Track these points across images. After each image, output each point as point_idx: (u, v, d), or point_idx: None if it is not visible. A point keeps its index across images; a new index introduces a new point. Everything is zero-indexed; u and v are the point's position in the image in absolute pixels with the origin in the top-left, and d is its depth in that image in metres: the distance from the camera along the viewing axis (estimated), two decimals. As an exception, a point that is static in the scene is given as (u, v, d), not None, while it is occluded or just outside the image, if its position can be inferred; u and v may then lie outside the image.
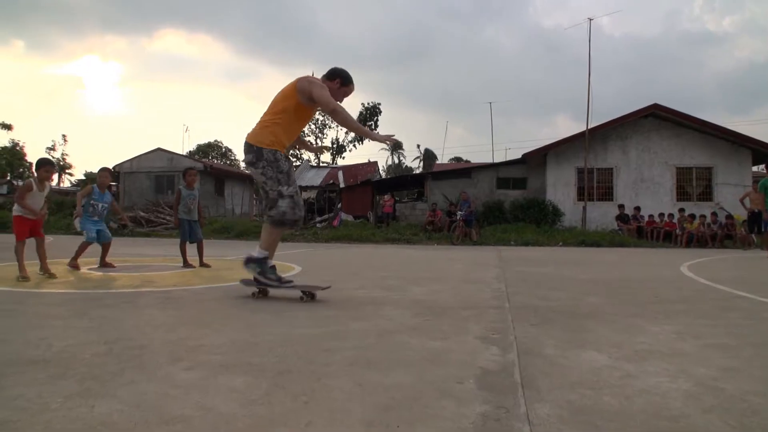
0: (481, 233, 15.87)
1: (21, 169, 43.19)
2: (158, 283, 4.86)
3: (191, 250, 6.58)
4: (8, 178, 37.77)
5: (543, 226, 17.77)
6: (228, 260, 7.79)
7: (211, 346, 2.43)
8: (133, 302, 3.73)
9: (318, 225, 19.76)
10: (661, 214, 16.79)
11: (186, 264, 6.37)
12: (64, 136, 56.32)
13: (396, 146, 69.00)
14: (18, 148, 41.29)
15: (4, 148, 37.94)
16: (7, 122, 33.89)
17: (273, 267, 3.88)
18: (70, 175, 53.31)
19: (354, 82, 3.97)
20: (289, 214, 3.69)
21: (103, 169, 6.61)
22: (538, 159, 20.23)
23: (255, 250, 3.86)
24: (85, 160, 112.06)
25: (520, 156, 21.09)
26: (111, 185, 7.30)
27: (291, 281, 3.93)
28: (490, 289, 4.68)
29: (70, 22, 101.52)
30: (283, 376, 1.97)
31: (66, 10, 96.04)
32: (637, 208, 17.54)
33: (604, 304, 3.92)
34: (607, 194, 19.31)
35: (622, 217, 17.32)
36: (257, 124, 3.80)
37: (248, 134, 3.79)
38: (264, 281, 3.83)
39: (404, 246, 14.03)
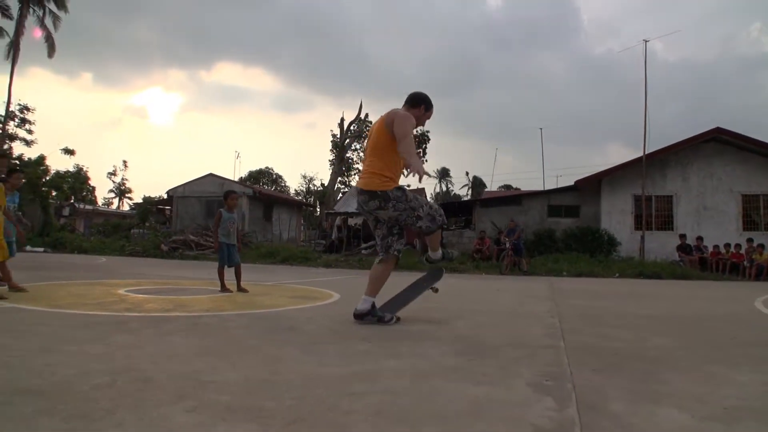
0: (531, 263, 15.23)
1: (84, 193, 45.25)
2: (189, 308, 4.67)
3: (229, 274, 6.41)
4: (72, 200, 39.50)
5: (597, 256, 16.92)
6: (266, 285, 7.60)
7: (223, 383, 2.15)
8: (158, 328, 3.53)
9: (363, 252, 19.54)
10: (727, 245, 15.70)
11: (223, 288, 6.21)
12: (124, 162, 58.95)
13: (443, 174, 68.71)
14: (82, 172, 43.34)
15: (69, 173, 39.76)
16: (71, 148, 35.38)
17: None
18: (130, 198, 55.63)
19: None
20: (436, 221, 3.98)
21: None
22: (591, 186, 19.45)
23: (431, 253, 4.39)
24: (145, 185, 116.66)
25: (571, 183, 20.38)
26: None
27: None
28: (542, 324, 4.25)
29: (136, 56, 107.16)
30: (293, 426, 1.66)
31: (133, 44, 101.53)
32: (700, 238, 16.49)
33: (674, 346, 3.44)
34: (666, 223, 18.30)
35: (683, 248, 16.31)
36: (368, 171, 3.92)
37: (364, 183, 3.92)
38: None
39: (451, 275, 13.58)
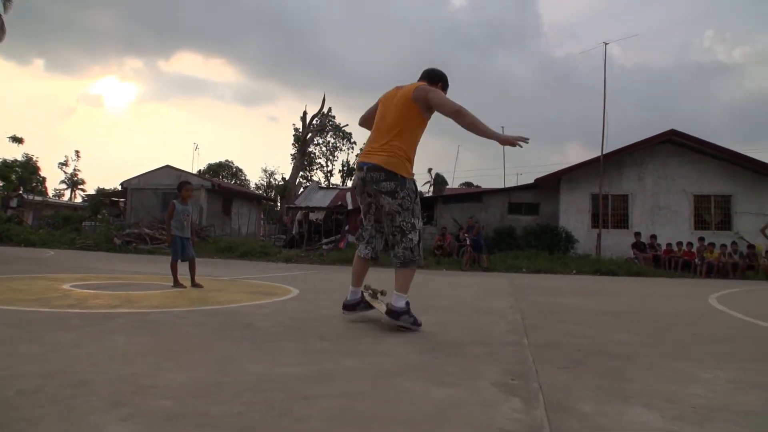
0: (491, 259, 15.33)
1: (34, 183, 43.38)
2: (139, 304, 4.42)
3: (183, 269, 6.14)
4: (20, 191, 37.80)
5: (556, 253, 17.19)
6: (223, 281, 7.34)
7: (166, 387, 1.97)
8: (102, 325, 3.29)
9: (324, 247, 19.31)
10: (679, 243, 16.18)
11: (176, 284, 5.93)
12: (77, 152, 56.79)
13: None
14: (31, 162, 41.50)
15: (17, 162, 38.02)
16: (19, 136, 33.87)
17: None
18: (83, 190, 53.62)
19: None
20: (418, 249, 3.49)
21: None
22: (551, 184, 19.74)
23: (395, 299, 3.45)
24: (98, 176, 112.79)
25: (532, 181, 20.65)
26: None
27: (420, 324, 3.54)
28: (505, 321, 4.18)
29: (91, 44, 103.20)
30: (242, 436, 1.51)
31: (88, 31, 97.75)
32: (654, 237, 16.95)
33: (636, 342, 3.42)
34: (622, 222, 18.74)
35: (638, 246, 16.72)
36: (391, 150, 3.44)
37: (385, 160, 3.42)
38: (413, 328, 3.44)
39: (412, 270, 13.52)
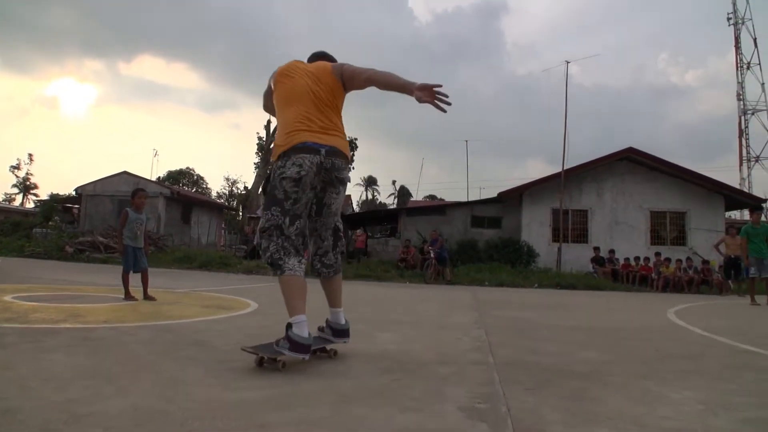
0: (455, 272, 15.34)
1: (-19, 188, 41.49)
2: (84, 318, 4.15)
3: (135, 280, 5.86)
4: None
5: (518, 266, 17.36)
6: (178, 293, 7.05)
7: (104, 415, 1.79)
8: (39, 342, 3.05)
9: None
10: (637, 258, 16.54)
11: (128, 296, 5.65)
12: (30, 155, 54.65)
13: (370, 182, 68.80)
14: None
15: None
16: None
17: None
18: (35, 195, 51.62)
19: None
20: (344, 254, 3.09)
21: None
22: (513, 199, 19.98)
23: (339, 315, 3.03)
24: (52, 181, 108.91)
25: (494, 195, 20.86)
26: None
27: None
28: (469, 337, 4.09)
29: (50, 43, 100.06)
30: (184, 475, 1.35)
31: (47, 30, 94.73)
32: (612, 251, 17.29)
33: (602, 360, 3.37)
34: (581, 236, 19.08)
35: (597, 260, 17.03)
36: (334, 128, 2.85)
37: (342, 144, 2.86)
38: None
39: (375, 283, 13.39)
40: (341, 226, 3.02)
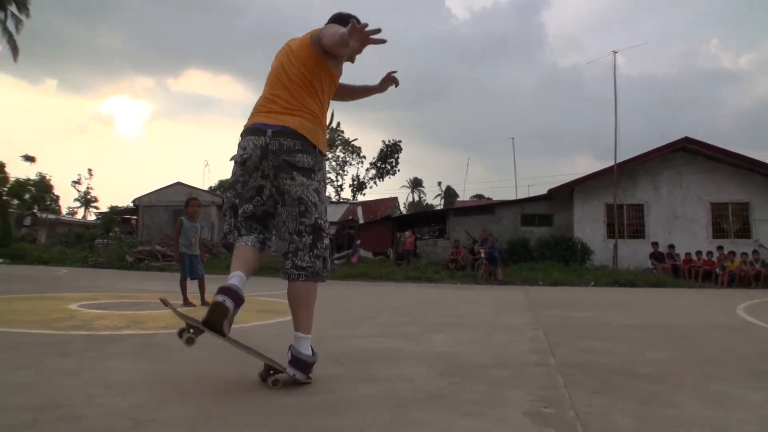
0: (506, 272, 15.07)
1: (48, 202, 43.84)
2: (145, 325, 4.27)
3: (193, 287, 6.01)
4: (34, 210, 38.14)
5: (571, 264, 16.88)
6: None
7: (167, 422, 1.80)
8: (103, 349, 3.14)
9: (336, 262, 19.16)
10: (698, 252, 15.81)
11: (186, 302, 5.80)
12: (89, 170, 57.20)
13: (416, 183, 68.66)
14: (45, 180, 42.01)
15: (30, 181, 38.45)
16: (32, 155, 34.33)
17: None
18: (96, 208, 54.06)
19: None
20: (327, 261, 2.55)
21: None
22: (564, 195, 19.48)
23: (297, 341, 2.42)
24: (111, 193, 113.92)
25: (544, 192, 20.40)
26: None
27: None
28: (526, 338, 3.97)
29: (102, 63, 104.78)
30: (246, 482, 1.33)
31: (99, 51, 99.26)
32: (672, 246, 16.59)
33: (669, 360, 3.20)
34: (638, 231, 18.39)
35: (656, 256, 16.37)
36: (296, 106, 2.47)
37: (293, 121, 2.43)
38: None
39: (425, 285, 13.31)
40: (322, 224, 2.49)
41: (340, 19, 2.59)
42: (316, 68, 2.50)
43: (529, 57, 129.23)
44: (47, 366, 2.64)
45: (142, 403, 2.03)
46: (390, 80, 2.92)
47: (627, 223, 18.38)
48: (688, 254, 15.99)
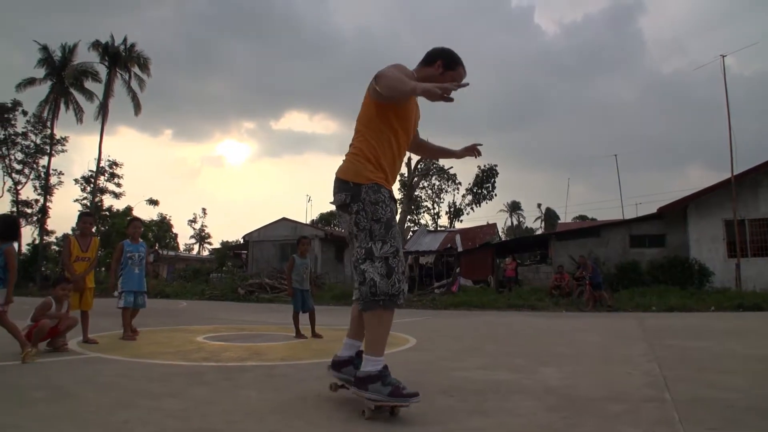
0: (614, 297, 14.36)
1: (167, 240, 47.82)
2: (265, 356, 4.63)
3: (304, 319, 6.38)
4: (156, 247, 41.79)
5: (689, 288, 15.76)
6: (341, 330, 7.49)
7: (299, 448, 2.02)
8: (234, 379, 3.48)
9: (436, 291, 19.22)
10: (839, 272, 14.21)
11: (298, 334, 6.17)
12: (203, 209, 61.92)
13: (514, 207, 67.34)
14: (165, 221, 45.96)
15: (153, 221, 42.18)
16: (155, 198, 37.79)
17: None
18: (209, 243, 58.21)
19: (464, 65, 2.79)
20: (383, 285, 2.48)
21: None
22: (676, 213, 18.34)
23: (363, 361, 2.58)
24: (222, 230, 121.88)
25: (654, 211, 19.31)
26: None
27: (416, 394, 2.47)
28: (639, 371, 3.86)
29: (212, 111, 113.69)
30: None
31: (208, 100, 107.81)
32: (806, 264, 15.03)
33: (802, 396, 3.00)
34: (764, 249, 16.85)
35: (787, 276, 14.90)
36: (347, 154, 2.76)
37: (340, 167, 2.75)
38: (401, 401, 2.45)
39: (529, 313, 13.02)
40: (360, 256, 2.59)
41: (430, 57, 2.78)
42: (368, 109, 2.71)
43: (629, 66, 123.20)
44: (190, 394, 2.99)
45: (275, 429, 2.27)
46: (473, 150, 3.11)
47: (750, 239, 16.92)
48: (826, 273, 14.41)
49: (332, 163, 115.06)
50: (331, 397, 2.95)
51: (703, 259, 17.01)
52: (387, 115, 2.67)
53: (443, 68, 2.72)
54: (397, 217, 2.81)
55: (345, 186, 2.65)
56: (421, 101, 2.84)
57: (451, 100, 2.35)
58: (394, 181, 2.85)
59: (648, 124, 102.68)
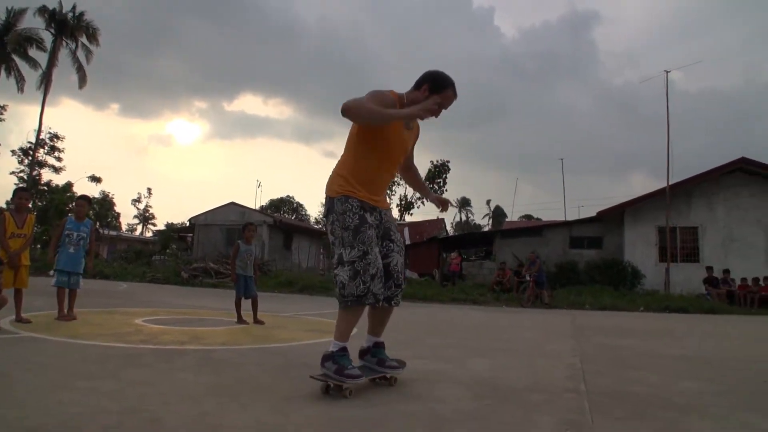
0: (553, 296, 14.94)
1: (109, 219, 46.16)
2: (205, 341, 4.63)
3: (246, 305, 6.39)
4: (97, 227, 40.27)
5: (621, 289, 16.58)
6: (283, 317, 7.54)
7: (234, 427, 2.10)
8: (172, 362, 3.49)
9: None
10: (756, 279, 15.24)
11: (240, 320, 6.18)
12: (149, 189, 59.95)
13: (464, 203, 68.42)
14: (108, 199, 44.30)
15: (95, 199, 40.59)
16: (98, 175, 36.36)
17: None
18: (153, 225, 56.58)
19: (455, 86, 2.98)
20: (350, 287, 2.75)
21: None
22: (614, 217, 19.20)
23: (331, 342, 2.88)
24: (167, 211, 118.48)
25: (594, 214, 20.14)
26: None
27: (356, 376, 2.74)
28: (564, 365, 4.11)
29: (162, 88, 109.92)
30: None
31: (159, 77, 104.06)
32: (727, 271, 16.03)
33: (703, 391, 3.28)
34: (692, 255, 17.91)
35: (710, 281, 15.87)
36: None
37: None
38: (340, 379, 2.70)
39: (471, 307, 13.39)
40: (335, 261, 2.89)
41: (418, 81, 2.99)
42: (357, 128, 2.93)
43: (582, 75, 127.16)
44: (126, 376, 3.00)
45: (210, 411, 2.33)
46: (443, 204, 3.47)
47: (680, 246, 17.93)
48: (744, 279, 15.45)
49: (285, 149, 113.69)
50: (267, 382, 3.03)
51: (636, 262, 17.90)
52: (365, 137, 2.90)
53: (429, 92, 2.92)
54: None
55: (325, 200, 2.98)
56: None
57: (436, 116, 2.88)
58: (377, 196, 3.00)
59: (597, 131, 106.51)
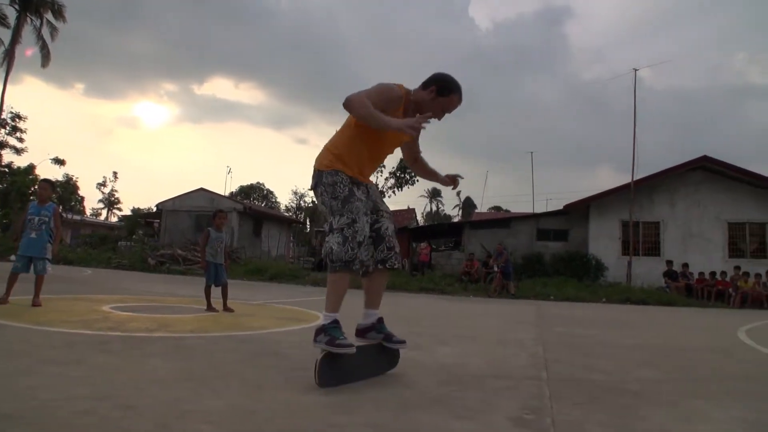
0: (519, 287, 15.27)
1: (72, 203, 44.99)
2: (174, 328, 4.64)
3: (216, 293, 6.38)
4: (60, 210, 39.29)
5: (585, 280, 17.04)
6: (253, 305, 7.55)
7: (205, 412, 2.14)
8: (141, 349, 3.50)
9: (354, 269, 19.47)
10: (712, 273, 15.84)
11: (209, 308, 6.17)
12: (115, 173, 58.61)
13: (434, 194, 68.91)
14: (71, 182, 43.14)
15: (58, 182, 39.48)
16: (61, 158, 35.34)
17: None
18: (119, 209, 55.31)
19: (461, 92, 3.08)
20: (338, 252, 2.81)
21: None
22: (580, 210, 19.64)
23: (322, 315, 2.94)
24: (134, 196, 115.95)
25: (561, 207, 20.57)
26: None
27: (347, 345, 2.76)
28: (527, 353, 4.26)
29: (130, 69, 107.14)
30: (273, 462, 1.66)
31: (127, 57, 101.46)
32: (686, 265, 16.63)
33: (657, 379, 3.47)
34: (653, 249, 18.47)
35: (670, 274, 16.43)
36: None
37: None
38: (335, 350, 2.74)
39: (439, 296, 13.59)
40: (327, 229, 3.02)
41: (427, 81, 3.05)
42: (348, 118, 3.03)
43: (553, 69, 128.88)
44: (97, 362, 3.01)
45: (182, 396, 2.37)
46: (454, 181, 3.51)
47: (642, 240, 18.48)
48: (701, 273, 16.04)
49: (257, 134, 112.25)
50: (236, 368, 3.08)
51: (600, 255, 18.40)
52: (362, 124, 2.94)
53: (436, 94, 3.01)
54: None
55: (314, 173, 3.06)
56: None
57: (439, 119, 3.03)
58: (365, 177, 3.13)
59: (567, 125, 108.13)
